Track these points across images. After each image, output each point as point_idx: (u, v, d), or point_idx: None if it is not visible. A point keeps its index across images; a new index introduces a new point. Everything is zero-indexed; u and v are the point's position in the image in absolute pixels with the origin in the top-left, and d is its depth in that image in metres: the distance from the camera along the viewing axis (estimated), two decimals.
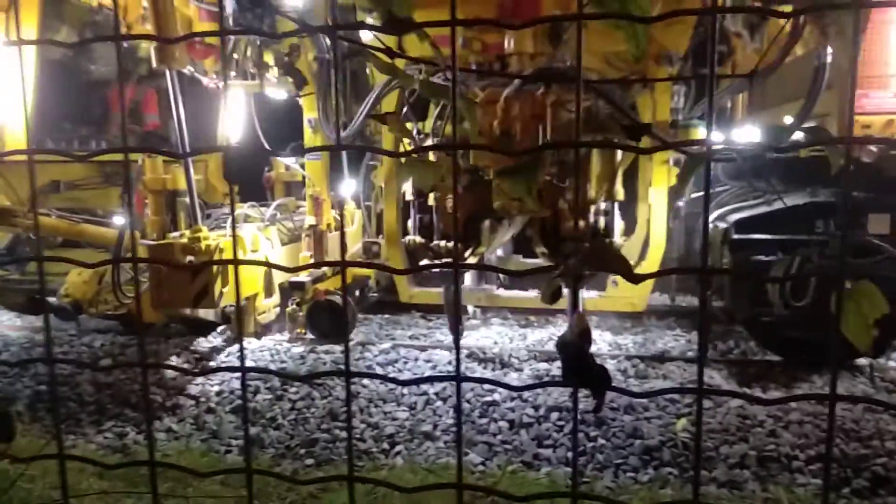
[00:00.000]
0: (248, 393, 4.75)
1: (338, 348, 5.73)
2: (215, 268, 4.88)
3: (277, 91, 6.84)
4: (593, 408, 4.08)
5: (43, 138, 6.51)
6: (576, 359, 0.95)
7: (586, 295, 5.98)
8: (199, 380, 4.85)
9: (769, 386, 4.82)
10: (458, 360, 1.00)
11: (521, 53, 4.90)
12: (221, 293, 4.98)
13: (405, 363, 5.38)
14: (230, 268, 4.82)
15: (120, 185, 5.60)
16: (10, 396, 4.87)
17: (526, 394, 4.36)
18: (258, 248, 5.72)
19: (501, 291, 6.30)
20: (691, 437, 4.02)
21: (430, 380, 1.00)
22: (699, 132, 5.39)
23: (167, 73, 4.82)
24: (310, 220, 6.31)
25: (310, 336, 6.03)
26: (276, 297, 6.05)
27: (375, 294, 7.37)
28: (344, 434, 4.29)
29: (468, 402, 4.35)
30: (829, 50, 4.39)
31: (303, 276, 5.82)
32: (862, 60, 4.59)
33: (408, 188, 5.27)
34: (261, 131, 6.88)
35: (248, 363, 5.42)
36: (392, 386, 4.62)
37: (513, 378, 4.84)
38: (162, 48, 4.76)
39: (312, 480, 0.99)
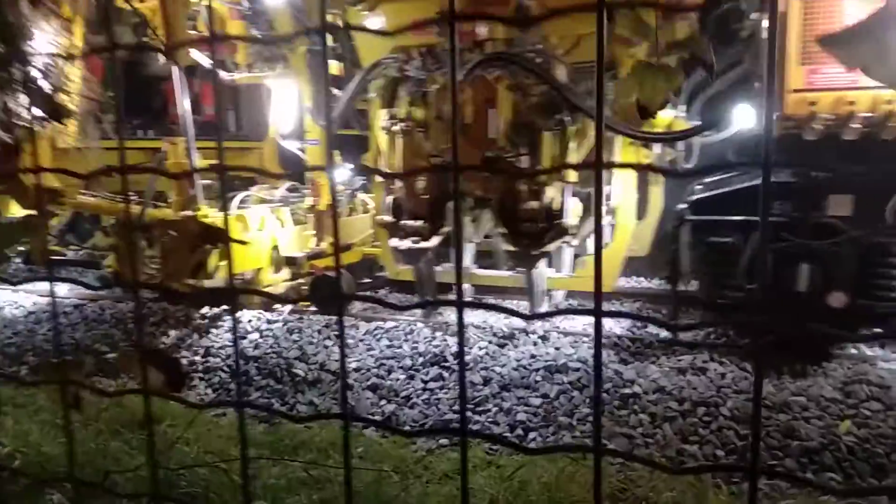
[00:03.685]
0: (382, 371, 4.79)
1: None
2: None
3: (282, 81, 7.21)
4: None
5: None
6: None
7: (555, 274, 6.01)
8: (337, 356, 5.00)
9: None
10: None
11: (495, 39, 5.25)
12: (217, 267, 5.31)
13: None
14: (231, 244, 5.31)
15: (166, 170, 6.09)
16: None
17: (669, 386, 4.14)
18: (264, 226, 6.07)
19: (477, 270, 6.47)
20: (857, 440, 3.66)
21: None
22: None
23: (173, 68, 5.38)
24: (309, 201, 6.70)
25: (312, 308, 6.29)
26: (286, 272, 6.34)
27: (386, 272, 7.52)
28: (477, 417, 4.27)
29: (606, 392, 4.19)
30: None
31: (298, 252, 6.23)
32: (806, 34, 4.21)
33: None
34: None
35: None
36: (525, 373, 4.54)
37: (653, 370, 4.59)
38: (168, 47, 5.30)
39: (551, 448, 0.92)
